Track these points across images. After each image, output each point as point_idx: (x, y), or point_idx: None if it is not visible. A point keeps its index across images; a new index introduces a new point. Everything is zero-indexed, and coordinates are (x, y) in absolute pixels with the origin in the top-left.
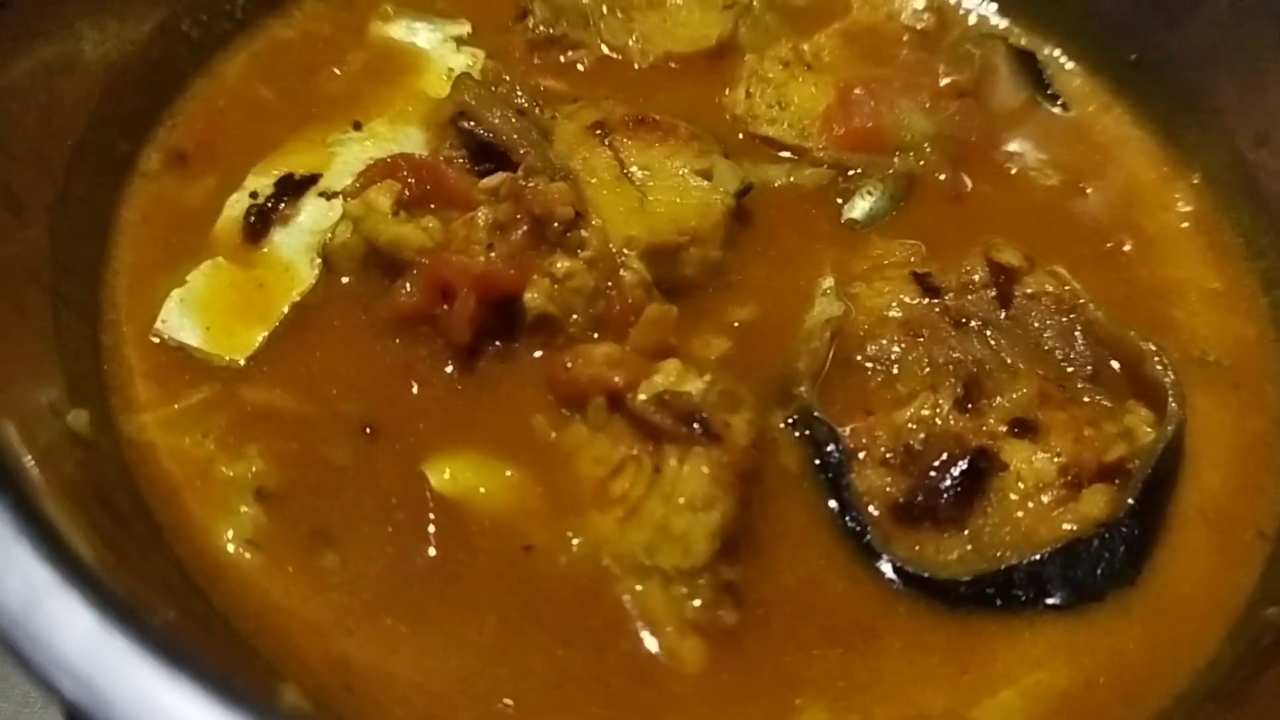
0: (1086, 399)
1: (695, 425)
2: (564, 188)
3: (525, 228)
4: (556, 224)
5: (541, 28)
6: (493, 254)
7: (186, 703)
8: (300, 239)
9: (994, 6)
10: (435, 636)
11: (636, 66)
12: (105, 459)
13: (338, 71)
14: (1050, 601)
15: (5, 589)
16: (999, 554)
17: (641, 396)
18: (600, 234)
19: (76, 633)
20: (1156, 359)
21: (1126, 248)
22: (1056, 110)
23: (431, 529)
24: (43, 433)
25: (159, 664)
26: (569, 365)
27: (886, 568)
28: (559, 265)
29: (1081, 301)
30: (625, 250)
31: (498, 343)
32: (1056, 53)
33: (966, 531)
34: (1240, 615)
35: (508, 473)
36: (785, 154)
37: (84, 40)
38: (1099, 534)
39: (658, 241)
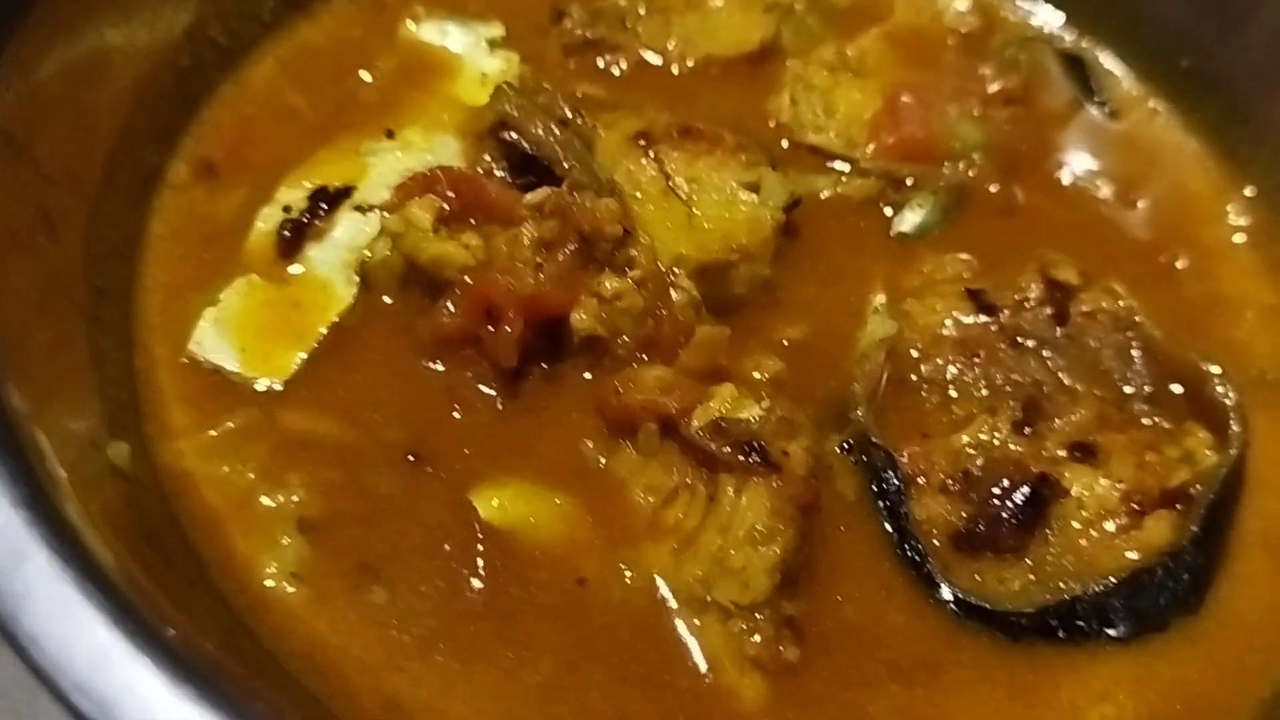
0: (1146, 421)
1: (753, 453)
2: (612, 204)
3: (573, 247)
4: (605, 243)
5: (579, 30)
6: (542, 275)
7: None
8: (336, 255)
9: (1041, 6)
10: (490, 674)
11: (675, 71)
12: (146, 491)
13: (368, 77)
14: (1113, 632)
15: (73, 654)
16: (1062, 584)
17: (696, 423)
18: (649, 252)
19: (146, 700)
20: (1218, 381)
21: (1180, 263)
22: (1105, 118)
23: (480, 562)
24: (85, 467)
25: None
26: (619, 390)
27: (948, 598)
28: (608, 285)
29: (1138, 320)
30: (675, 269)
31: (543, 364)
32: (1104, 57)
33: (1029, 560)
34: None
35: (557, 501)
36: (832, 163)
37: (112, 50)
38: (1163, 563)
39: (708, 260)
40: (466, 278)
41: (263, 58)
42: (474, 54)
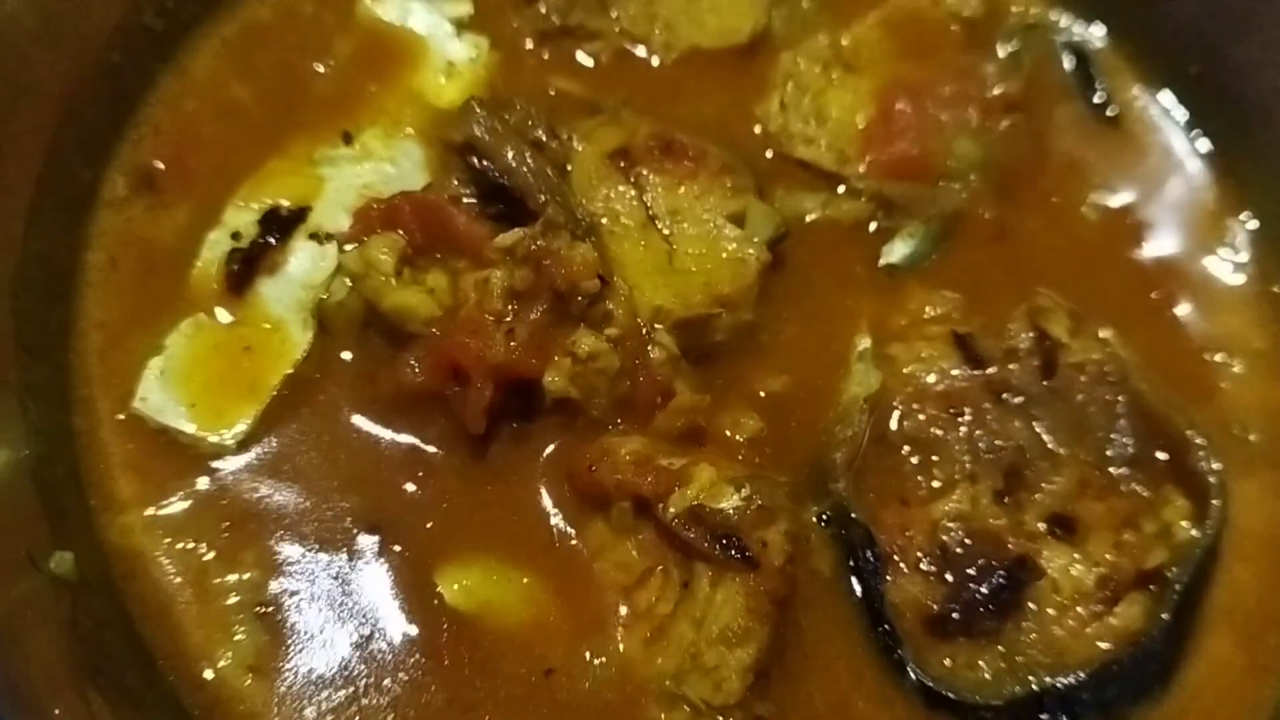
0: (1124, 487)
1: (730, 547)
2: (590, 252)
3: (545, 306)
4: (581, 297)
5: (554, 16)
6: (513, 342)
7: None
8: (290, 293)
9: None
10: None
11: (658, 62)
12: (94, 595)
13: (320, 68)
14: None
15: None
16: (1030, 674)
17: (672, 510)
18: (628, 306)
19: None
20: (1201, 452)
21: (1171, 299)
22: (1106, 124)
23: (445, 654)
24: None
25: None
26: (593, 467)
27: (915, 686)
28: (583, 345)
29: (1126, 374)
30: (654, 324)
31: (513, 423)
32: (1109, 51)
33: (1001, 646)
34: None
35: (524, 580)
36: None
37: (36, 66)
38: (1132, 653)
39: (689, 314)
40: (433, 329)
41: (204, 40)
42: (439, 36)
